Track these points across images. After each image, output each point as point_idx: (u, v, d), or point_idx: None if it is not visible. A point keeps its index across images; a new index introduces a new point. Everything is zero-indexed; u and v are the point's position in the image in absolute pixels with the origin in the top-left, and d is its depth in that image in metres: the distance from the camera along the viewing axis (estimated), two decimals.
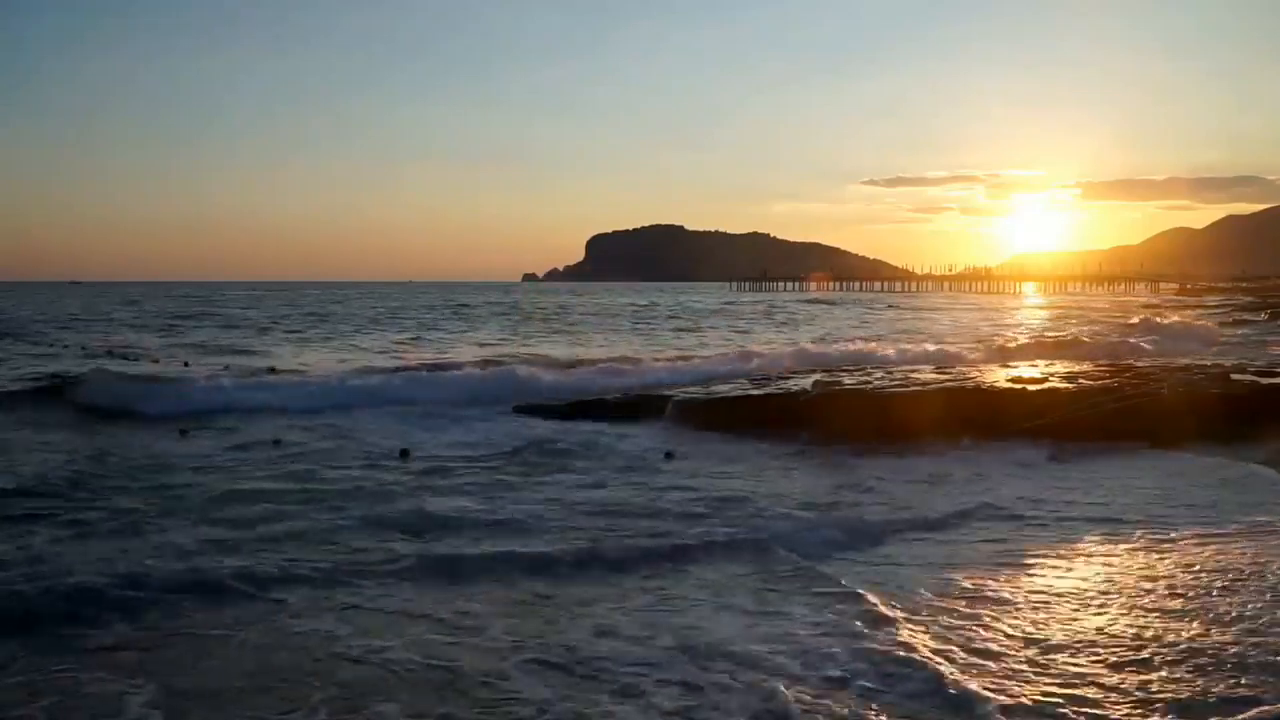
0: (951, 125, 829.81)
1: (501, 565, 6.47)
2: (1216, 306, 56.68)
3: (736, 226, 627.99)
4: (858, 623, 5.35)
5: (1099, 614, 5.49)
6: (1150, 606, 5.59)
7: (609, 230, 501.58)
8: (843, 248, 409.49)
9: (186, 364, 20.89)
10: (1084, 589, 5.96)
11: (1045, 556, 6.70)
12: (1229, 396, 12.78)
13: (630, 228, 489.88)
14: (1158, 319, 34.09)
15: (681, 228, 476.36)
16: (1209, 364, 16.49)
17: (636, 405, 14.22)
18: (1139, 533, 7.26)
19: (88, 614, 5.47)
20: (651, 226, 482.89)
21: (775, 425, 12.30)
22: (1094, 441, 11.26)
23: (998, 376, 14.72)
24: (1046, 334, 30.35)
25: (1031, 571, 6.36)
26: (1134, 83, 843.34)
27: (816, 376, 14.81)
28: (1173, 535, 7.16)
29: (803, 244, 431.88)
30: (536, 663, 4.87)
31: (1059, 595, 5.84)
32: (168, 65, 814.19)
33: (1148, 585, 6.00)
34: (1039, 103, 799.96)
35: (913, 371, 15.81)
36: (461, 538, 7.14)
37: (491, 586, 6.09)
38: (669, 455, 10.86)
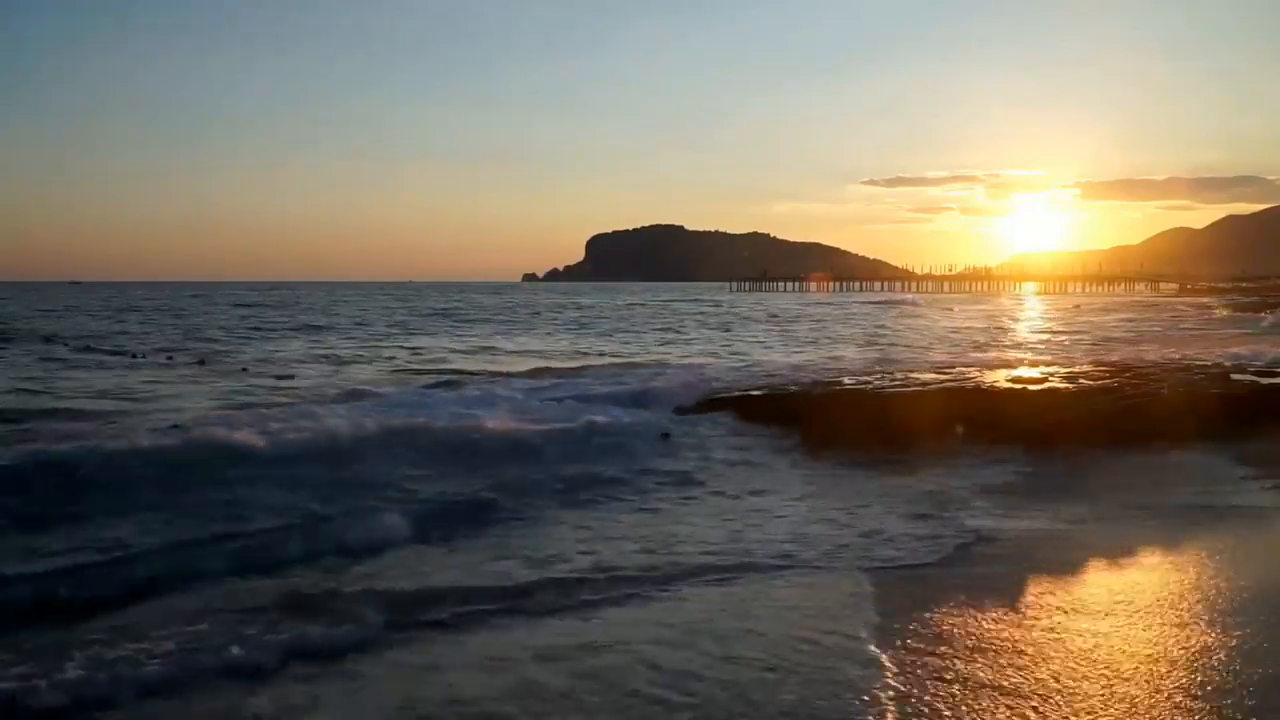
0: (951, 125, 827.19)
1: None
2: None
3: (736, 226, 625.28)
4: None
5: None
6: None
7: (609, 230, 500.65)
8: (843, 248, 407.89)
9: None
10: None
11: None
12: (1229, 396, 12.78)
13: (630, 228, 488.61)
14: None
15: (681, 228, 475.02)
16: (1209, 364, 16.47)
17: None
18: None
19: None
20: (651, 226, 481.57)
21: (775, 424, 12.28)
22: (1102, 443, 11.19)
23: (998, 377, 14.71)
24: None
25: None
26: (1134, 83, 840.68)
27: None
28: None
29: (803, 244, 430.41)
30: None
31: None
32: (168, 65, 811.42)
33: None
34: (1039, 103, 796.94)
35: (912, 372, 15.82)
36: None
37: None
38: (665, 436, 11.56)
